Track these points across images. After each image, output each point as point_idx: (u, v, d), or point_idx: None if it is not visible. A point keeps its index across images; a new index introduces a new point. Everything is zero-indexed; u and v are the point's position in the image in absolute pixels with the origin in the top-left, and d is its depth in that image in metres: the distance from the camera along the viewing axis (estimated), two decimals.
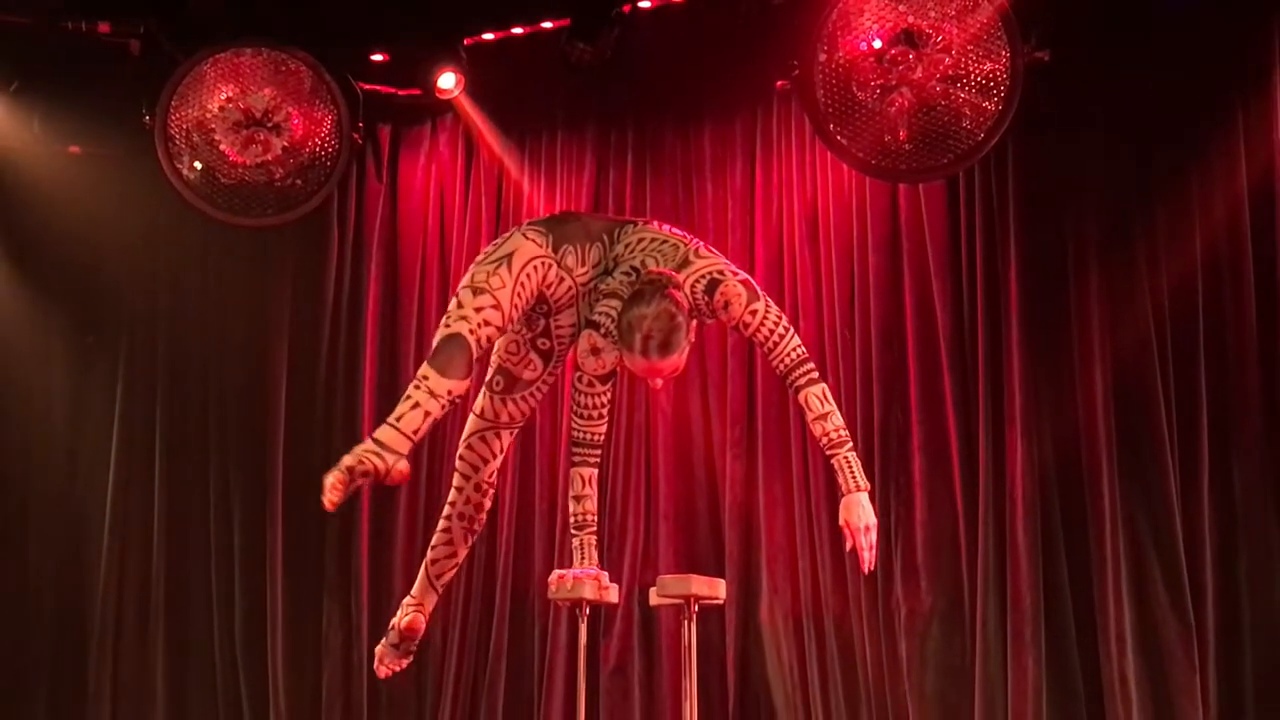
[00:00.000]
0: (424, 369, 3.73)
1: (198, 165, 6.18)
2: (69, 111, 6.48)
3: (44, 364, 7.08)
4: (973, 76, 5.49)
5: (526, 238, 3.94)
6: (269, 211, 6.29)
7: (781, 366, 3.89)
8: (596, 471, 4.18)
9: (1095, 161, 5.84)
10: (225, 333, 6.97)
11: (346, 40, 6.33)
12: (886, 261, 6.10)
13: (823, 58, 5.60)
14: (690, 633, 4.12)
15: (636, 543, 6.26)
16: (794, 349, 3.88)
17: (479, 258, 3.96)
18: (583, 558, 4.10)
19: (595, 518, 4.11)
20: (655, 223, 4.16)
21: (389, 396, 6.66)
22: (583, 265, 3.96)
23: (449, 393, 3.69)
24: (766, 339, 3.89)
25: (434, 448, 6.59)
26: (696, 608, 4.13)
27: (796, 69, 5.66)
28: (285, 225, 6.45)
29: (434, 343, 3.81)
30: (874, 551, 3.87)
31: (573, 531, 4.10)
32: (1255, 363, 5.56)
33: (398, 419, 3.66)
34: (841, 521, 3.88)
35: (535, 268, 3.89)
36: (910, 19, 5.50)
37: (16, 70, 6.33)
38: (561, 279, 3.94)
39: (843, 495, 3.87)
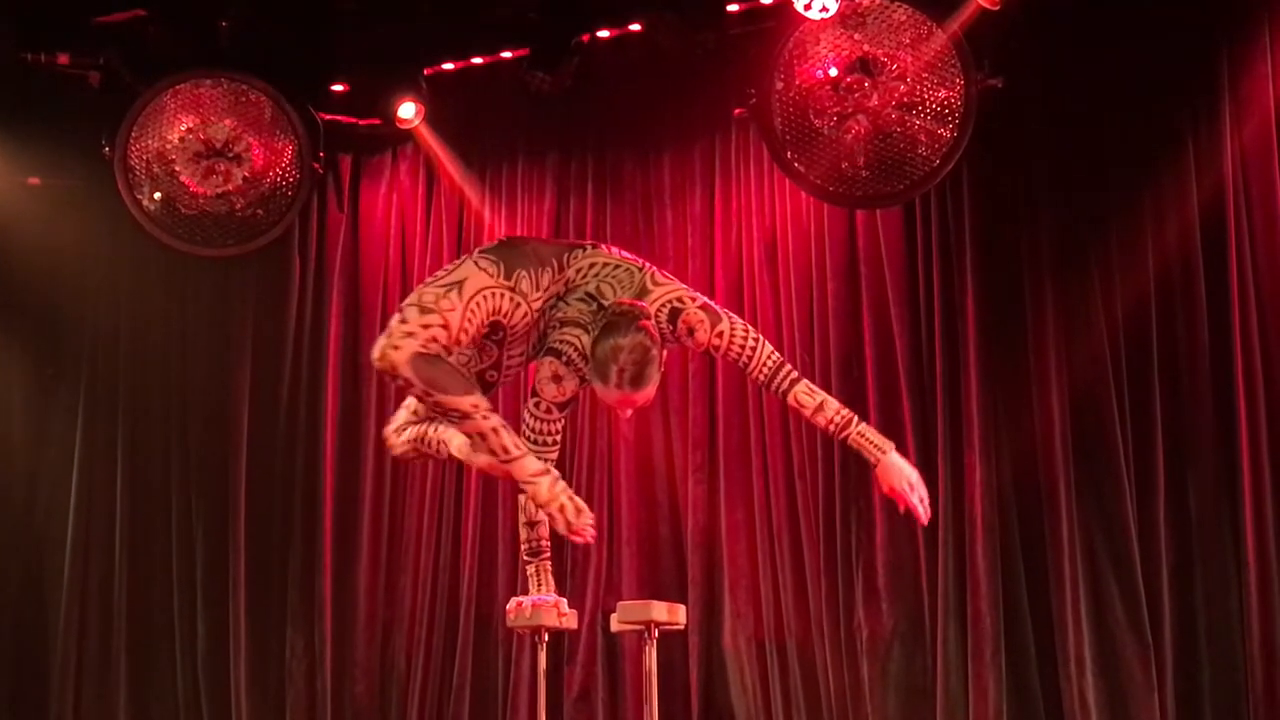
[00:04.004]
0: (452, 403, 3.68)
1: (158, 196, 6.16)
2: (28, 143, 6.46)
3: (4, 392, 6.97)
4: (928, 103, 5.53)
5: (478, 266, 3.83)
6: (230, 241, 6.27)
7: (761, 376, 3.87)
8: None
9: (1049, 187, 5.85)
10: (187, 362, 6.90)
11: (307, 70, 6.29)
12: (845, 287, 6.09)
13: (780, 86, 5.64)
14: (651, 658, 4.08)
15: (599, 569, 6.23)
16: (768, 357, 3.86)
17: (428, 280, 3.85)
18: (539, 584, 4.00)
19: (549, 544, 4.00)
20: (605, 246, 4.08)
21: (351, 424, 6.66)
22: (536, 290, 3.84)
23: (474, 406, 3.68)
24: (739, 355, 3.86)
25: (395, 484, 6.61)
26: (657, 633, 4.10)
27: (754, 97, 5.69)
28: (247, 255, 6.43)
29: (386, 360, 3.65)
30: (926, 503, 3.81)
31: (526, 559, 4.01)
32: (1208, 383, 5.57)
33: (506, 452, 3.72)
34: (885, 489, 3.83)
35: (485, 298, 3.78)
36: (866, 47, 5.54)
37: None
38: (518, 305, 3.82)
39: (874, 465, 3.81)
